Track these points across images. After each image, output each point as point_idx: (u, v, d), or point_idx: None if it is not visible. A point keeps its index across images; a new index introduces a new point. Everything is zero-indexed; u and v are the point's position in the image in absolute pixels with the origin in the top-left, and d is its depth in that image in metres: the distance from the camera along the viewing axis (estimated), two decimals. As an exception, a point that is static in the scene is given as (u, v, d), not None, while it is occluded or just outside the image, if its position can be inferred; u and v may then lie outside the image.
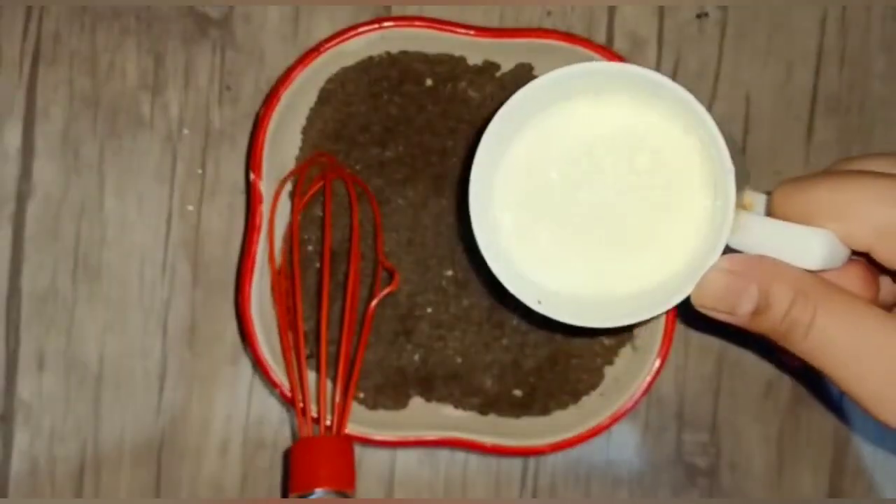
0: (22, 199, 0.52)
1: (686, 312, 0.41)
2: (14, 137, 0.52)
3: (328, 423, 0.47)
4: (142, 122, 0.52)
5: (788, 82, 0.55)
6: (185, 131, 0.52)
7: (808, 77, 0.55)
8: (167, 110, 0.52)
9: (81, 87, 0.52)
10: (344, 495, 0.45)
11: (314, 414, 0.48)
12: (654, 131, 0.41)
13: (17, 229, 0.52)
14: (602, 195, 0.42)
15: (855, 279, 0.40)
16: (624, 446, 0.54)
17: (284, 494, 0.52)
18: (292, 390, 0.48)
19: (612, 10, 0.54)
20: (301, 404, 0.47)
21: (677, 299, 0.40)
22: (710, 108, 0.53)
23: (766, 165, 0.55)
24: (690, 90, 0.54)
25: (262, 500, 0.53)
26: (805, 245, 0.38)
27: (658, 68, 0.54)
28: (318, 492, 0.45)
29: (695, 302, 0.40)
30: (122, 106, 0.52)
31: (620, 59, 0.50)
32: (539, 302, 0.41)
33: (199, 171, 0.52)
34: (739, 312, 0.39)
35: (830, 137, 0.55)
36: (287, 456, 0.49)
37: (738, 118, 0.55)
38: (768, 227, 0.39)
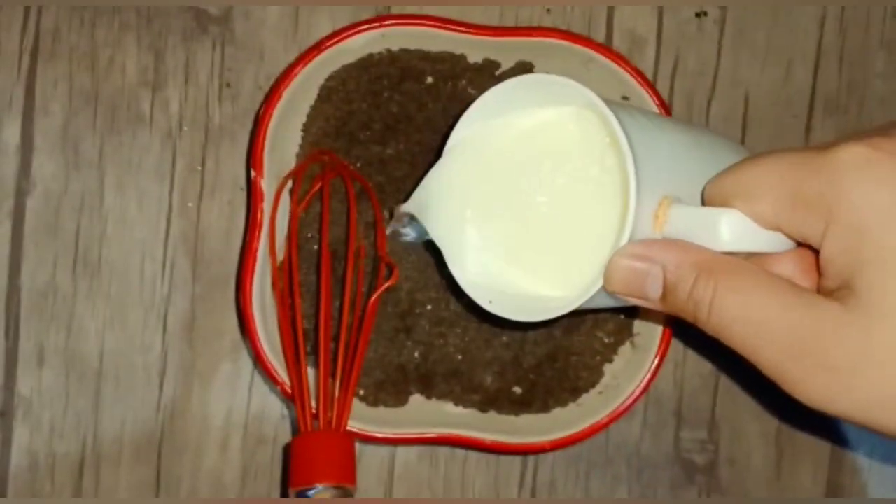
0: (21, 195, 0.52)
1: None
2: (13, 133, 0.51)
3: (329, 418, 0.47)
4: (142, 118, 0.52)
5: (787, 81, 0.55)
6: (185, 128, 0.52)
7: (807, 76, 0.55)
8: (167, 107, 0.52)
9: (81, 83, 0.52)
10: (344, 490, 0.45)
11: (314, 409, 0.48)
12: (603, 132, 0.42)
13: (17, 225, 0.52)
14: (565, 197, 0.43)
15: (792, 264, 0.40)
16: (623, 444, 0.55)
17: (284, 490, 0.52)
18: (293, 386, 0.48)
19: (611, 9, 0.54)
20: (301, 399, 0.47)
21: (595, 288, 0.39)
22: (708, 107, 0.55)
23: (765, 164, 0.55)
24: (690, 89, 0.54)
25: (265, 499, 0.53)
26: (711, 226, 0.38)
27: (657, 67, 0.54)
28: (319, 487, 0.45)
29: (606, 288, 0.39)
30: (122, 102, 0.52)
31: (620, 57, 0.50)
32: (490, 302, 0.43)
33: (199, 168, 0.52)
34: (650, 297, 0.39)
35: (829, 137, 0.55)
36: (287, 451, 0.49)
37: (736, 117, 0.55)
38: (682, 212, 0.39)
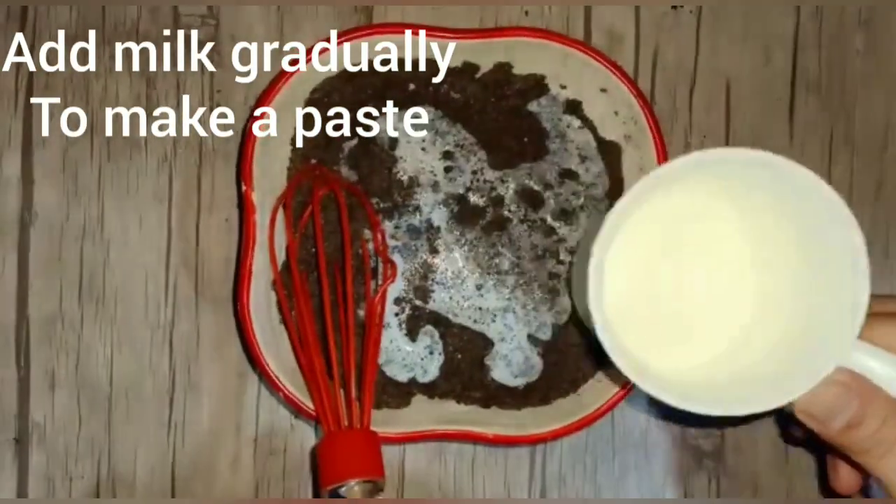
0: (24, 226, 0.53)
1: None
2: (13, 166, 0.53)
3: (351, 418, 0.48)
4: (137, 143, 0.53)
5: (767, 65, 0.56)
6: (180, 150, 0.54)
7: (787, 59, 0.56)
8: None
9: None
10: (374, 483, 0.46)
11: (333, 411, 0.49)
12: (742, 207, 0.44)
13: (22, 256, 0.53)
14: (700, 275, 0.45)
15: None
16: (629, 433, 0.55)
17: (316, 492, 0.53)
18: (311, 391, 0.49)
19: (588, 9, 0.55)
20: (322, 403, 0.48)
21: (791, 397, 0.41)
22: (690, 97, 0.55)
23: (751, 149, 0.56)
24: (671, 81, 0.55)
25: (276, 499, 0.53)
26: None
27: (637, 61, 0.55)
28: (350, 482, 0.46)
29: (798, 407, 0.41)
30: (117, 129, 0.53)
31: (596, 51, 0.51)
32: (639, 375, 0.42)
33: (196, 189, 0.54)
34: (833, 425, 0.40)
35: (813, 118, 0.56)
36: (314, 454, 0.50)
37: (719, 105, 0.56)
38: (876, 354, 0.41)
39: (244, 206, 0.49)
